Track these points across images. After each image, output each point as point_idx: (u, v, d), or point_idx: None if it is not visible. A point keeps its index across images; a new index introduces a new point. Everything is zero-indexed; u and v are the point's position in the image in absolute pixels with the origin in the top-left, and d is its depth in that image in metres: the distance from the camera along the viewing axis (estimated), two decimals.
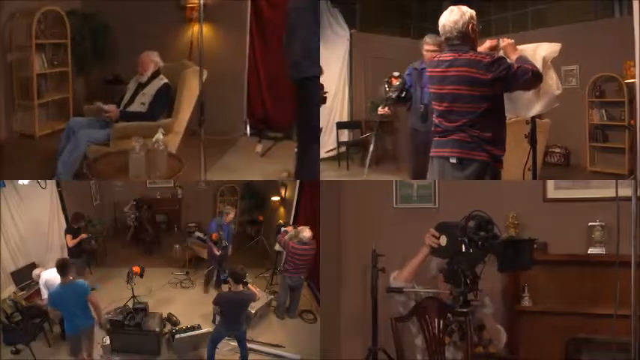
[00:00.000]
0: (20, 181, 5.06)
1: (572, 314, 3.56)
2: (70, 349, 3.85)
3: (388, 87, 4.09)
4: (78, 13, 5.97)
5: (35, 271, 4.58)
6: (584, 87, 6.55)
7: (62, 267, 3.74)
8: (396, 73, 4.17)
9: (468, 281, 2.33)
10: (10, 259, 4.98)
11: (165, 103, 4.40)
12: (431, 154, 2.87)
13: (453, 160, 2.73)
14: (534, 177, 3.38)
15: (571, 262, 3.66)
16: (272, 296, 5.39)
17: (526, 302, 3.71)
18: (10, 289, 4.78)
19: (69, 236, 5.48)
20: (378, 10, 7.70)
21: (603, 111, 6.55)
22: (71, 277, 3.76)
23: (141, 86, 4.45)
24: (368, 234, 3.83)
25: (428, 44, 4.02)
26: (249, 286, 4.30)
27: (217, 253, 5.66)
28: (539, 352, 3.49)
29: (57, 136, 4.87)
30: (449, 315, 2.48)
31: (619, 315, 3.35)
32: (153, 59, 4.48)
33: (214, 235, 5.69)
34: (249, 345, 4.48)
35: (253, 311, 4.89)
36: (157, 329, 4.37)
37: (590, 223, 3.69)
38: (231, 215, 5.99)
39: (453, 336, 2.56)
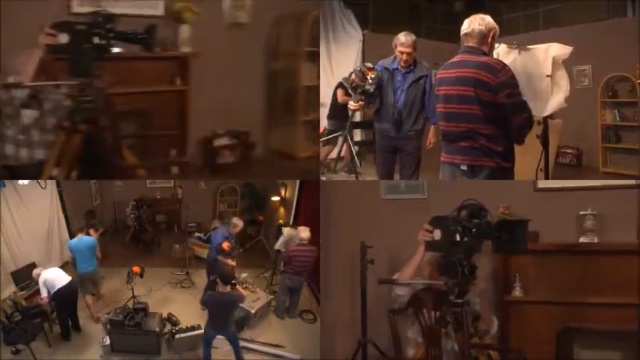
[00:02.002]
0: (20, 181, 5.06)
1: (563, 304, 3.57)
2: (81, 288, 4.79)
3: (361, 78, 3.98)
4: None
5: (35, 271, 4.57)
6: (597, 87, 6.53)
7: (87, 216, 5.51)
8: (369, 64, 4.08)
9: (466, 271, 2.31)
10: (10, 259, 4.98)
11: None
12: (442, 160, 2.92)
13: (464, 167, 2.78)
14: (546, 177, 3.41)
15: (562, 252, 3.66)
16: (272, 296, 5.38)
17: (517, 292, 3.71)
18: (10, 289, 4.78)
19: (92, 230, 5.59)
20: (390, 11, 7.73)
21: (616, 111, 6.53)
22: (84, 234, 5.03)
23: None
24: (357, 227, 3.85)
25: (403, 45, 3.91)
26: (238, 287, 4.28)
27: (233, 264, 5.26)
28: (531, 342, 3.49)
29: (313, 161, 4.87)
30: (444, 306, 2.47)
31: (614, 304, 3.43)
32: None
33: (226, 245, 5.24)
34: (249, 345, 4.49)
35: (253, 311, 4.90)
36: (157, 329, 4.37)
37: (580, 212, 3.68)
38: (239, 227, 5.67)
39: (449, 327, 2.54)
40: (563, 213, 3.71)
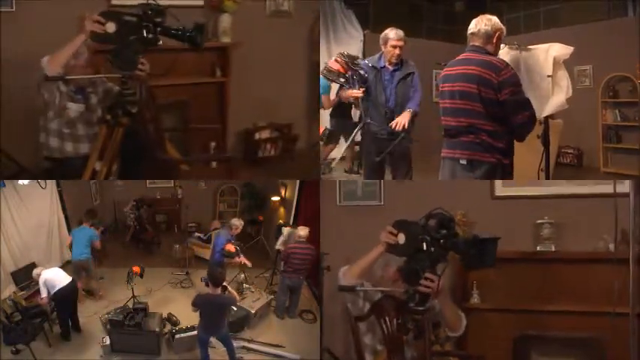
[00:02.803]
0: (20, 181, 5.06)
1: (520, 311, 3.60)
2: (73, 272, 4.99)
3: (350, 62, 3.90)
4: None
5: (35, 271, 4.57)
6: (598, 87, 6.52)
7: (87, 214, 5.52)
8: (340, 59, 3.95)
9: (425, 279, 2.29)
10: (10, 259, 4.98)
11: None
12: (442, 155, 2.93)
13: (463, 162, 2.79)
14: (547, 178, 3.42)
15: (519, 260, 3.69)
16: (272, 296, 5.38)
17: (475, 299, 3.73)
18: (10, 289, 4.78)
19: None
20: (391, 11, 7.74)
21: (617, 111, 6.53)
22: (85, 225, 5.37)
23: None
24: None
25: (394, 39, 3.84)
26: (229, 289, 4.28)
27: (249, 264, 5.28)
28: (489, 349, 3.50)
29: None
30: (406, 313, 2.45)
31: (570, 311, 3.48)
32: None
33: (231, 247, 5.21)
34: (249, 345, 4.49)
35: (253, 311, 4.90)
36: (157, 329, 4.36)
37: (538, 221, 3.71)
38: (240, 228, 5.61)
39: (409, 334, 2.53)
40: (520, 221, 3.74)
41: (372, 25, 7.57)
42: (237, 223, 5.59)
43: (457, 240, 2.28)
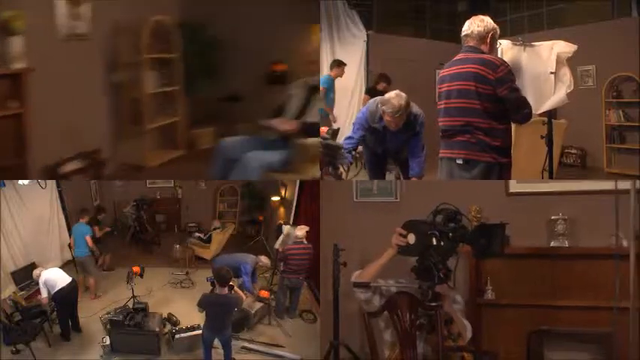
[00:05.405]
0: (20, 181, 5.06)
1: (534, 307, 3.59)
2: (77, 270, 5.44)
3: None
4: (186, 23, 5.27)
5: (35, 271, 4.57)
6: (601, 87, 6.52)
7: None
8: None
9: (442, 274, 2.31)
10: (10, 259, 4.98)
11: None
12: (440, 156, 2.95)
13: (460, 161, 2.80)
14: (550, 177, 3.42)
15: (533, 255, 3.69)
16: (272, 296, 5.37)
17: (489, 295, 3.72)
18: (10, 289, 4.78)
19: (96, 227, 5.91)
20: (394, 11, 7.76)
21: (620, 112, 6.52)
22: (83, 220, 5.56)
23: (314, 90, 3.64)
24: (332, 229, 3.86)
25: (387, 114, 3.64)
26: (235, 289, 4.26)
27: (267, 296, 5.03)
28: (502, 345, 3.51)
29: (168, 168, 4.54)
30: (419, 309, 2.47)
31: (584, 306, 3.47)
32: None
33: (266, 294, 5.00)
34: (249, 345, 4.48)
35: (253, 311, 4.89)
36: (157, 329, 4.36)
37: (552, 217, 3.71)
38: (265, 268, 5.51)
39: (423, 330, 2.54)
40: (534, 217, 3.73)
41: (376, 25, 7.59)
42: (266, 261, 5.50)
43: (465, 231, 2.30)
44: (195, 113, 5.44)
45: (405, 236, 2.46)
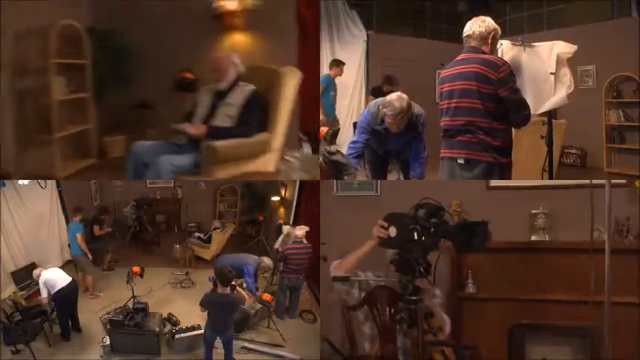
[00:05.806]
0: (20, 181, 5.06)
1: (515, 300, 3.63)
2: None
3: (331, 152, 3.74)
4: (96, 29, 5.14)
5: (35, 271, 4.57)
6: (601, 87, 6.52)
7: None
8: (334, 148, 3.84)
9: (422, 269, 2.29)
10: (10, 259, 4.98)
11: (258, 113, 3.65)
12: (441, 156, 2.97)
13: (461, 161, 2.83)
14: (550, 178, 3.43)
15: (514, 249, 3.72)
16: (273, 300, 5.37)
17: (470, 289, 3.76)
18: (10, 289, 4.78)
19: (97, 227, 5.97)
20: (394, 11, 7.77)
21: (620, 112, 6.53)
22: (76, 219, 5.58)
23: (220, 95, 3.70)
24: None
25: (388, 116, 3.62)
26: (238, 288, 4.25)
27: (270, 299, 4.94)
28: (483, 339, 3.52)
29: (79, 178, 4.48)
30: (399, 303, 2.44)
31: (565, 300, 3.52)
32: (232, 61, 3.73)
33: (269, 297, 4.90)
34: (249, 345, 4.49)
35: (253, 312, 4.89)
36: (157, 329, 4.36)
37: (532, 211, 3.74)
38: (267, 270, 5.55)
39: (402, 324, 2.54)
40: (515, 211, 3.77)
41: (376, 25, 7.60)
42: (269, 263, 5.48)
43: (447, 227, 2.29)
44: (106, 120, 5.32)
45: (386, 228, 2.44)
